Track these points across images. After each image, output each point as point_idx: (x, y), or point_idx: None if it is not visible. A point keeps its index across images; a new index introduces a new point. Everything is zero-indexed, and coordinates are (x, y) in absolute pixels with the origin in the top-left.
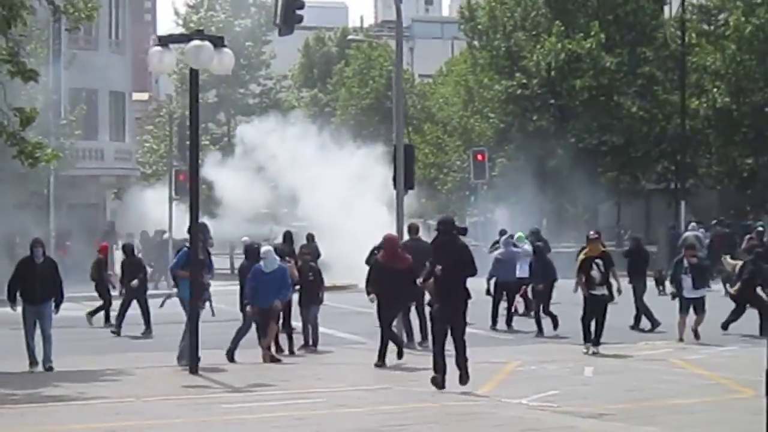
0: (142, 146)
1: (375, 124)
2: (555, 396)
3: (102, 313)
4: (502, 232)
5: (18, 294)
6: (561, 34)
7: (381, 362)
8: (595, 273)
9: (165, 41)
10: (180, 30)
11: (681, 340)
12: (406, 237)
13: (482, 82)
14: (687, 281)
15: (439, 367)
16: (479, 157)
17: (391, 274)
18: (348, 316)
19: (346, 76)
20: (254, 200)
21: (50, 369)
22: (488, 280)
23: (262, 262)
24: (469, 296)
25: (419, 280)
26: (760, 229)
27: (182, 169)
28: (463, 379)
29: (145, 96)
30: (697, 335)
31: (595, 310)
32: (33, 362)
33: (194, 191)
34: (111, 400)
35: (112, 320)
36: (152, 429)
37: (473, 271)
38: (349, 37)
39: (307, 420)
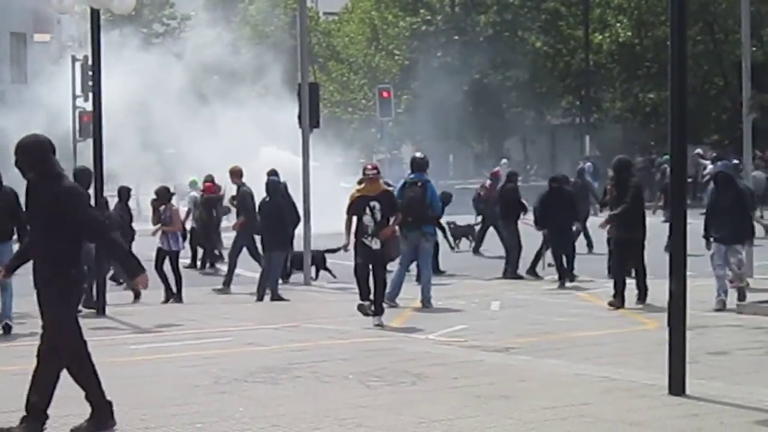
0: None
1: (280, 63)
2: (462, 331)
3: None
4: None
5: None
6: None
7: None
8: (367, 220)
9: None
10: None
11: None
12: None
13: (387, 19)
14: None
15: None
16: (384, 94)
17: None
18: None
19: (250, 15)
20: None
21: (8, 328)
22: None
23: None
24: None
25: None
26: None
27: (86, 111)
28: None
29: (47, 37)
30: None
31: (367, 265)
32: None
33: (98, 132)
34: (15, 343)
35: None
36: None
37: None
38: None
39: (214, 359)
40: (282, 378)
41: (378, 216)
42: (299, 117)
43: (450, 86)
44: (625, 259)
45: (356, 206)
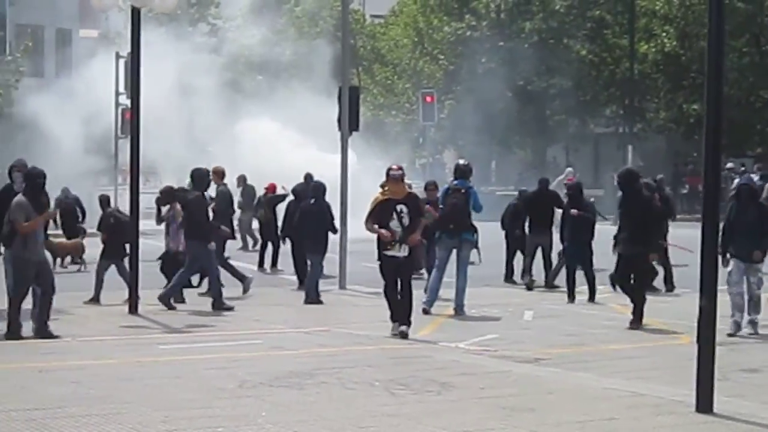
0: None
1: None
2: (493, 340)
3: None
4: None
5: None
6: None
7: None
8: (395, 224)
9: None
10: None
11: None
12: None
13: (432, 23)
14: None
15: None
16: (428, 98)
17: None
18: None
19: (296, 16)
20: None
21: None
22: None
23: None
24: None
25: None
26: None
27: (128, 108)
28: None
29: (94, 33)
30: None
31: (395, 277)
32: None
33: (136, 129)
34: (46, 339)
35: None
36: (85, 369)
37: None
38: None
39: (241, 362)
40: (307, 383)
41: (406, 220)
42: (339, 120)
43: (494, 92)
44: (629, 273)
45: (382, 211)
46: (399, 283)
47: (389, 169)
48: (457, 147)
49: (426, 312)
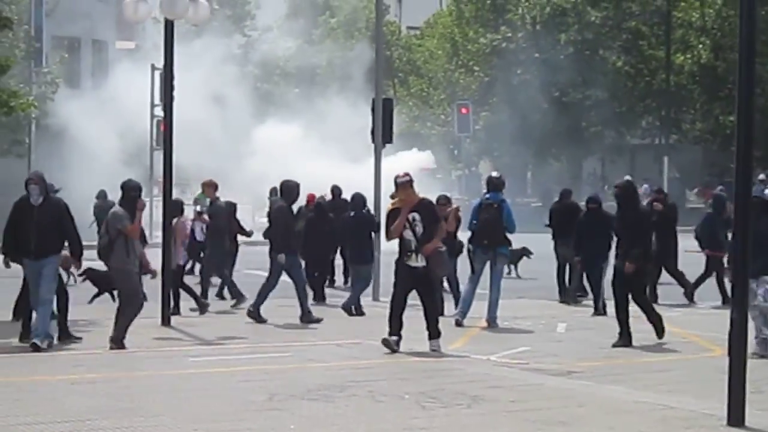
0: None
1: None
2: (525, 353)
3: None
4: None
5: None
6: None
7: None
8: (408, 234)
9: None
10: None
11: None
12: None
13: (467, 35)
14: None
15: None
16: (463, 110)
17: None
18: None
19: (331, 27)
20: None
21: (34, 347)
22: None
23: None
24: None
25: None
26: None
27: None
28: None
29: (131, 45)
30: None
31: (410, 287)
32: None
33: (169, 142)
34: (78, 351)
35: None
36: (115, 382)
37: None
38: None
39: (272, 374)
40: (338, 396)
41: (419, 229)
42: (372, 132)
43: (529, 103)
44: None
45: (393, 221)
46: (419, 297)
47: (396, 177)
48: (492, 158)
49: (459, 324)
